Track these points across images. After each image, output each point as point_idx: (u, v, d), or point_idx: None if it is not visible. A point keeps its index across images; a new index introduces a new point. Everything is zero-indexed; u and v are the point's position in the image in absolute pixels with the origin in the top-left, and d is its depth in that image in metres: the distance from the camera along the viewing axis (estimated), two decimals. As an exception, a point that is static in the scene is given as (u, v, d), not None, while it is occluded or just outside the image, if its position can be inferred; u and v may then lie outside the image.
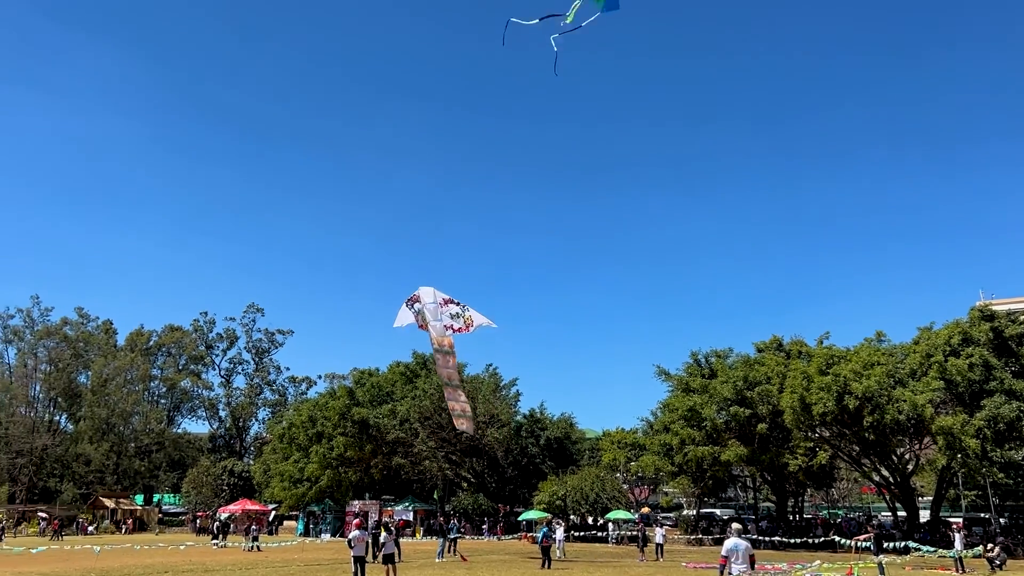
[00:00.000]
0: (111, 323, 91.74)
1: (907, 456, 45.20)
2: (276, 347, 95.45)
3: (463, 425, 32.96)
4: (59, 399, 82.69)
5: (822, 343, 47.28)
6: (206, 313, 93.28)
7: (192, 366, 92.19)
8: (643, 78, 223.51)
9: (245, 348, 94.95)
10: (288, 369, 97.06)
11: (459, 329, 29.89)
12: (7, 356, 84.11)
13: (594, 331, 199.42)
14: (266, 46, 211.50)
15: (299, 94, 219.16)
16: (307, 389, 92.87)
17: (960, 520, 42.76)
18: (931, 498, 48.18)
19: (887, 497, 50.21)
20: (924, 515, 47.67)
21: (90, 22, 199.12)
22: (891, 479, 45.54)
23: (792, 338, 49.48)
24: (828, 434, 44.86)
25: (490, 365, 62.01)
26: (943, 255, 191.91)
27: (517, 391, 59.84)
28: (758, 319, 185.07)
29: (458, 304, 29.83)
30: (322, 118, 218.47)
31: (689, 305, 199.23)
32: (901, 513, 48.41)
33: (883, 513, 58.31)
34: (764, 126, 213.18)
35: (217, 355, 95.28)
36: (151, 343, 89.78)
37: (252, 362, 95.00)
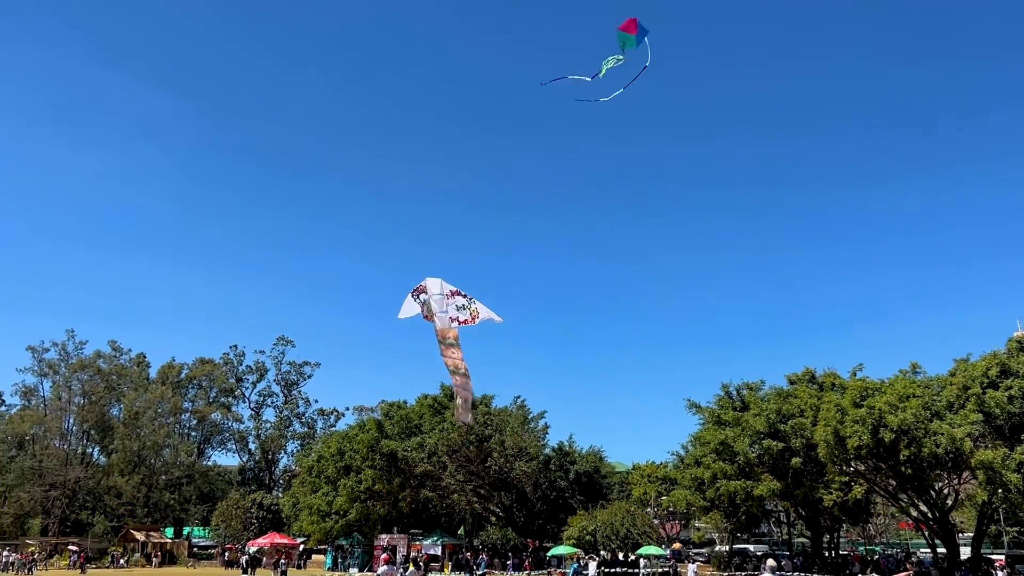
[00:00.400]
0: (144, 356, 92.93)
1: (946, 491, 44.09)
2: (304, 379, 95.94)
3: (466, 418, 32.50)
4: (92, 432, 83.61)
5: (855, 375, 46.54)
6: (236, 346, 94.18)
7: (222, 399, 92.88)
8: (672, 92, 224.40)
9: (275, 381, 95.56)
10: (316, 401, 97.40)
11: (465, 321, 29.22)
12: (42, 389, 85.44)
13: (623, 363, 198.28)
14: (299, 79, 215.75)
15: (332, 127, 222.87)
16: (335, 421, 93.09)
17: (1002, 558, 41.59)
18: (972, 534, 46.91)
19: (926, 533, 49.00)
20: (965, 552, 46.40)
21: (128, 63, 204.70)
22: (930, 515, 44.41)
23: (825, 370, 48.83)
24: (864, 468, 43.97)
25: (518, 397, 61.87)
26: (979, 284, 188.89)
27: (545, 424, 59.58)
28: (789, 350, 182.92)
29: (465, 296, 29.15)
30: (354, 150, 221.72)
31: (719, 336, 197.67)
32: (941, 550, 47.16)
33: (922, 550, 56.88)
34: (790, 148, 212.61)
35: (247, 388, 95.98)
36: (182, 376, 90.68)
37: (281, 395, 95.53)
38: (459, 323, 28.36)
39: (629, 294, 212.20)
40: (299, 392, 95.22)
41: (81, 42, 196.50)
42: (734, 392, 51.79)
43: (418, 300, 28.22)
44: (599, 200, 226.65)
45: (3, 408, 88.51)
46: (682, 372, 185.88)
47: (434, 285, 28.36)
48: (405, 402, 65.94)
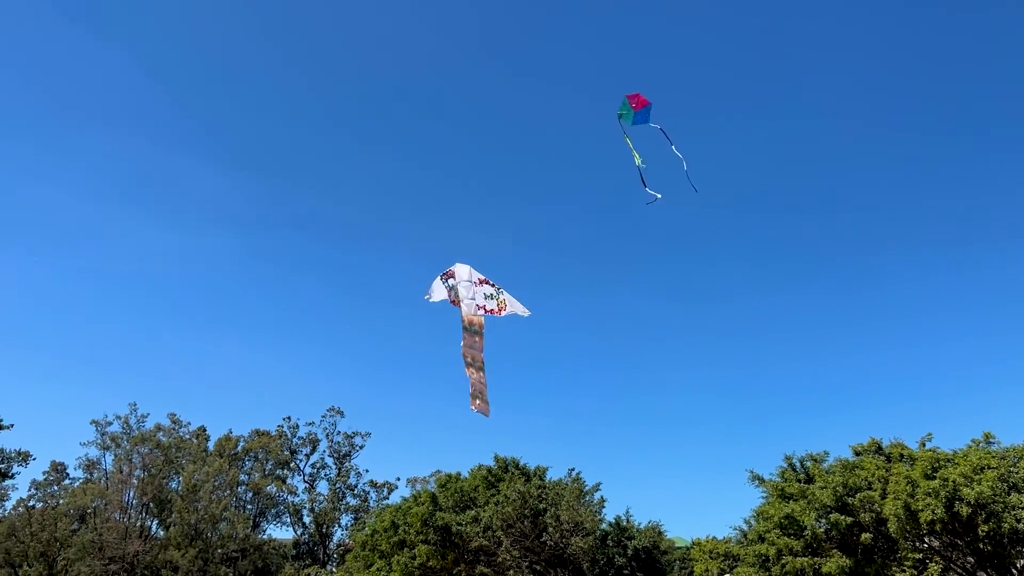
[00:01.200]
0: (204, 429, 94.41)
1: (1029, 569, 41.75)
2: (356, 450, 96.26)
3: (482, 410, 31.29)
4: (151, 505, 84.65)
5: (924, 445, 44.78)
6: (289, 418, 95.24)
7: (278, 471, 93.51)
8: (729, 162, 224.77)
9: (327, 453, 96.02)
10: (368, 472, 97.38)
11: (492, 311, 28.39)
12: (104, 463, 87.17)
13: (680, 434, 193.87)
14: (354, 155, 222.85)
15: (381, 199, 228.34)
16: (388, 494, 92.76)
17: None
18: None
19: (1010, 615, 46.19)
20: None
21: (187, 142, 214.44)
22: (1013, 595, 41.99)
23: (892, 440, 47.07)
24: (938, 544, 41.90)
25: (572, 469, 60.89)
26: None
27: (602, 497, 58.27)
28: (852, 419, 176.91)
29: (493, 285, 28.33)
30: (404, 221, 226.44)
31: (779, 405, 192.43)
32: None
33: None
34: (848, 216, 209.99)
35: (301, 460, 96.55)
36: (239, 448, 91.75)
37: (334, 467, 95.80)
38: (486, 312, 27.61)
39: (684, 364, 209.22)
40: (351, 464, 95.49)
41: (148, 124, 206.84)
42: (797, 464, 50.18)
43: (447, 284, 27.68)
44: (658, 284, 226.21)
45: (67, 481, 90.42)
46: (742, 443, 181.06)
47: (463, 271, 27.73)
48: (459, 474, 65.51)
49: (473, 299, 27.38)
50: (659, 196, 19.82)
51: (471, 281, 27.52)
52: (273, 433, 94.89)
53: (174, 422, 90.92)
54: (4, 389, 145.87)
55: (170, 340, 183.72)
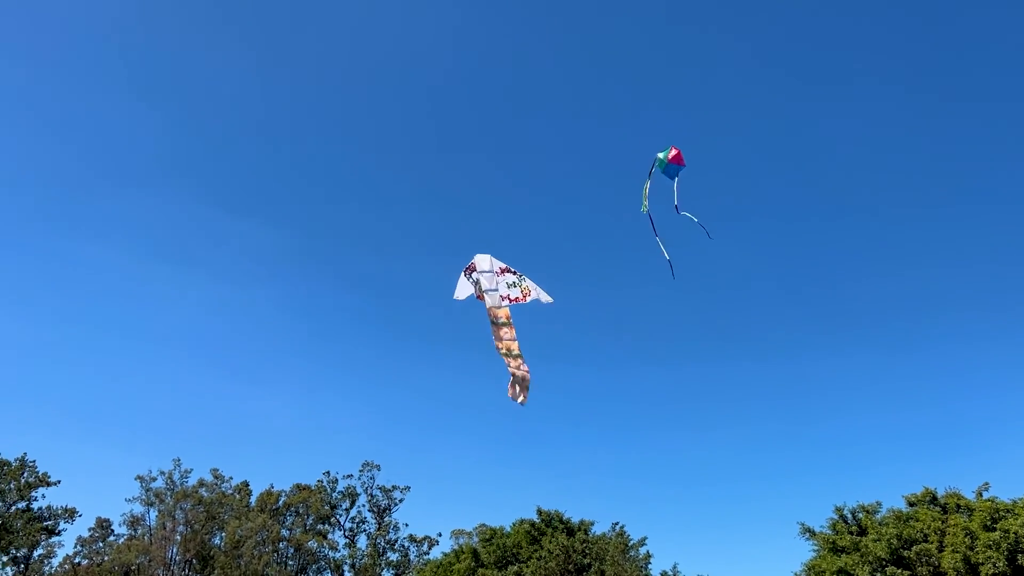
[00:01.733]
0: (247, 484, 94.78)
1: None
2: (396, 504, 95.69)
3: (520, 398, 30.33)
4: (194, 561, 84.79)
5: (982, 495, 43.43)
6: (328, 472, 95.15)
7: (319, 526, 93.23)
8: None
9: (367, 507, 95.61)
10: (408, 526, 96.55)
11: (516, 299, 27.81)
12: (148, 519, 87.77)
13: (728, 486, 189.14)
14: (393, 212, 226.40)
15: (419, 254, 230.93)
16: (429, 548, 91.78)
17: None
18: None
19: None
20: None
21: (231, 201, 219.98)
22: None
23: (947, 490, 45.74)
24: (1002, 599, 40.30)
25: (616, 523, 60.03)
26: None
27: (648, 551, 57.24)
28: (904, 468, 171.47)
29: (515, 273, 27.77)
30: (444, 276, 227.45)
31: (828, 455, 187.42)
32: None
33: None
34: (897, 272, 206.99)
35: (340, 514, 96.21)
36: (280, 503, 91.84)
37: (374, 521, 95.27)
38: (510, 301, 26.98)
39: (731, 415, 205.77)
40: (391, 518, 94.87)
41: (189, 182, 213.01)
42: (849, 515, 48.90)
43: (470, 279, 27.16)
44: (703, 337, 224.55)
45: (111, 538, 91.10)
46: (791, 494, 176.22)
47: (483, 261, 27.27)
48: (502, 528, 64.77)
49: (496, 289, 27.00)
50: (668, 257, 20.17)
51: (493, 271, 27.16)
52: (313, 487, 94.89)
53: (216, 477, 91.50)
54: (51, 446, 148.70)
55: (213, 394, 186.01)
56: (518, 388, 29.64)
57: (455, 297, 27.08)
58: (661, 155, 20.30)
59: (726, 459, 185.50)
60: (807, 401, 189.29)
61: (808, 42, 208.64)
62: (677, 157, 19.65)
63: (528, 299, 26.90)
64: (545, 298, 27.12)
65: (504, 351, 27.69)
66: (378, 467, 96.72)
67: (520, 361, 28.06)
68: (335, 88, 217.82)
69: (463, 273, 27.20)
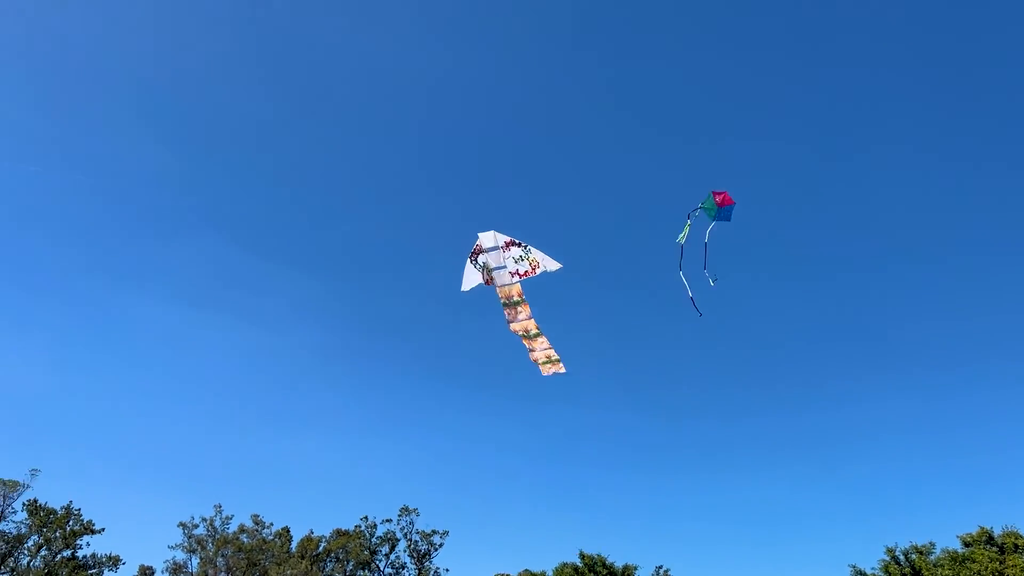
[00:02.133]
0: (287, 530, 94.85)
1: None
2: (435, 549, 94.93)
3: (552, 369, 29.07)
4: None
5: (1041, 534, 41.96)
6: (367, 518, 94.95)
7: (359, 572, 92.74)
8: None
9: (406, 552, 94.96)
10: (448, 571, 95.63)
11: (525, 273, 26.38)
12: (190, 565, 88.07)
13: (777, 528, 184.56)
14: (429, 258, 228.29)
15: (458, 302, 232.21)
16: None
17: None
18: None
19: None
20: None
21: (273, 252, 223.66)
22: None
23: (1004, 528, 44.20)
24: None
25: (660, 567, 59.00)
26: None
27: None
28: (957, 507, 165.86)
29: (520, 245, 26.30)
30: (474, 317, 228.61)
31: (876, 496, 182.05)
32: None
33: None
34: (947, 314, 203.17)
35: (380, 559, 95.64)
36: (320, 549, 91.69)
37: (413, 567, 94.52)
38: (520, 276, 26.51)
39: (778, 457, 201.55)
40: (431, 564, 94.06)
41: (229, 231, 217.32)
42: (901, 556, 47.33)
43: (477, 265, 26.66)
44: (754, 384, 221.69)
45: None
46: (841, 535, 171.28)
47: (488, 239, 26.61)
48: (545, 573, 63.96)
49: (504, 266, 26.41)
50: (692, 298, 20.38)
51: (498, 247, 26.52)
52: (352, 532, 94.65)
53: (257, 523, 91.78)
54: (96, 494, 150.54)
55: (253, 439, 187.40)
56: (549, 366, 28.37)
57: (463, 289, 26.75)
58: (706, 205, 20.32)
59: (774, 501, 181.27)
60: (855, 442, 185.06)
61: (849, 92, 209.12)
62: (725, 199, 19.75)
63: (538, 271, 26.53)
64: (553, 265, 26.61)
65: (522, 332, 27.64)
66: (416, 511, 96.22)
67: (539, 341, 27.96)
68: (373, 138, 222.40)
69: (469, 259, 26.78)
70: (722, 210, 19.52)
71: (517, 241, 26.54)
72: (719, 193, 19.73)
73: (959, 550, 44.94)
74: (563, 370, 32.29)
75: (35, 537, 79.02)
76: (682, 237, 20.02)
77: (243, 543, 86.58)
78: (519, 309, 27.39)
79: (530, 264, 26.50)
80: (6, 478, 78.95)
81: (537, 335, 29.26)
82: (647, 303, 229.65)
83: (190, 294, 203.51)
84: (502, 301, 27.14)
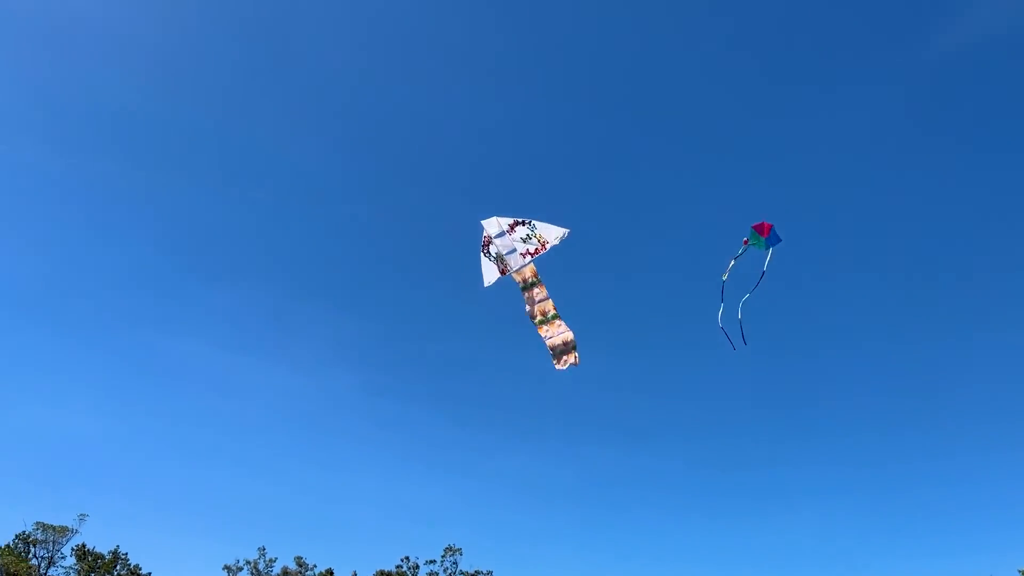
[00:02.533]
0: (331, 572, 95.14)
1: None
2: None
3: (569, 361, 27.12)
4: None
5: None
6: (408, 558, 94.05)
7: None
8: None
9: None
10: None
11: (535, 251, 25.19)
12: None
13: (814, 566, 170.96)
14: (464, 294, 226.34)
15: (500, 338, 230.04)
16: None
17: None
18: None
19: None
20: None
21: (307, 289, 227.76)
22: None
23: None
24: None
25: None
26: None
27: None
28: (1012, 537, 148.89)
29: (525, 223, 25.28)
30: (504, 348, 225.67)
31: (921, 525, 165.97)
32: None
33: None
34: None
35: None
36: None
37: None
38: (531, 255, 25.89)
39: (814, 489, 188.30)
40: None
41: (270, 274, 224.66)
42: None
43: (491, 256, 26.30)
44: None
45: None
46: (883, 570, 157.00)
47: (492, 225, 26.15)
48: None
49: (514, 249, 26.04)
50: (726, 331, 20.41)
51: (504, 232, 26.22)
52: (395, 573, 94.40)
53: (300, 565, 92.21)
54: (141, 537, 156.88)
55: (297, 481, 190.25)
56: (563, 356, 27.29)
57: (486, 285, 26.31)
58: (754, 242, 20.32)
59: (810, 534, 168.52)
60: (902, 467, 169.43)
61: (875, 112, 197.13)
62: (763, 229, 19.48)
63: (547, 248, 26.00)
64: (559, 233, 26.10)
65: (539, 315, 26.64)
66: (460, 551, 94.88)
67: (556, 324, 26.62)
68: (408, 176, 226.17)
69: (482, 251, 26.56)
70: (769, 238, 19.41)
71: (521, 220, 26.41)
72: (758, 226, 19.37)
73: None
74: (577, 362, 30.55)
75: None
76: (725, 275, 20.24)
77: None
78: (535, 291, 26.84)
79: (539, 242, 26.21)
80: (56, 524, 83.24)
81: (555, 317, 28.67)
82: (703, 366, 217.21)
83: (232, 338, 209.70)
84: (520, 286, 26.65)
